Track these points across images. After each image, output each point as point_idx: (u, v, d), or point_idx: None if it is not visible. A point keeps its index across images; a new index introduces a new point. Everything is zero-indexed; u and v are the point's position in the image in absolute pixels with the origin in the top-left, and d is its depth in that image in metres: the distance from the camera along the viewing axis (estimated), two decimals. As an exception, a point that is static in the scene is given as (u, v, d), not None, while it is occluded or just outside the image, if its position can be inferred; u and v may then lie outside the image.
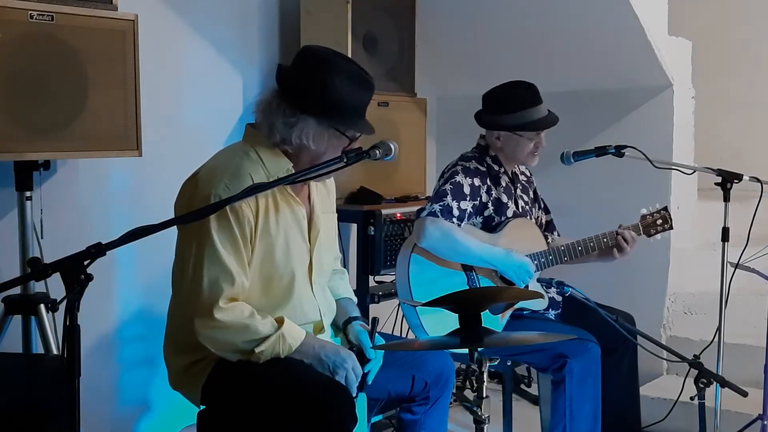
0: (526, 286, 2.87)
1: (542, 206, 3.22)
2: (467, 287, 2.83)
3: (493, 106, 3.00)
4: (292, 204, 2.22)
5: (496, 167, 3.02)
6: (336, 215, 2.47)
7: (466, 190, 2.87)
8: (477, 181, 2.91)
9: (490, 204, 2.96)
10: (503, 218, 2.97)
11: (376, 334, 2.25)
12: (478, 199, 2.91)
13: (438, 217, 2.77)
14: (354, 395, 2.14)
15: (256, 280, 2.16)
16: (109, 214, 3.12)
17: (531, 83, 2.98)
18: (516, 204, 3.04)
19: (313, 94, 2.13)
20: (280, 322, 2.13)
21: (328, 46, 2.30)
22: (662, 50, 3.88)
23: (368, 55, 3.64)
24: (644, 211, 3.08)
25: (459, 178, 2.88)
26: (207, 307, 2.06)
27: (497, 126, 2.97)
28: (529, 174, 3.23)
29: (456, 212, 2.81)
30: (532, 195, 3.18)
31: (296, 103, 2.14)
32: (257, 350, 2.09)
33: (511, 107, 2.93)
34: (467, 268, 2.88)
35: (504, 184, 3.01)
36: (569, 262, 2.99)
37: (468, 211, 2.86)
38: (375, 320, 2.27)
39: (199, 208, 1.88)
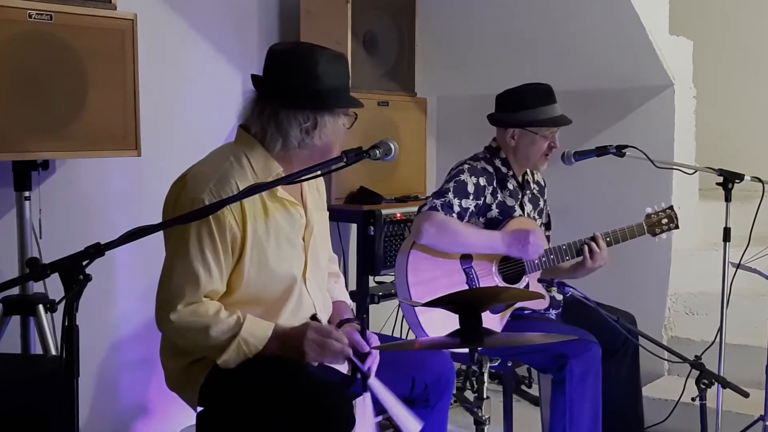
0: (538, 260, 2.85)
1: (545, 222, 3.19)
2: (466, 286, 2.82)
3: (507, 105, 2.97)
4: (286, 205, 2.20)
5: (504, 169, 2.99)
6: (327, 213, 2.46)
7: (470, 188, 2.85)
8: (482, 181, 2.89)
9: (494, 206, 2.93)
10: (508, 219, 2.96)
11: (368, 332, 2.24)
12: (482, 199, 2.89)
13: (438, 211, 2.75)
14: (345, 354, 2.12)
15: (252, 287, 2.14)
16: (109, 214, 3.12)
17: (547, 84, 2.98)
18: (522, 208, 3.01)
19: (316, 91, 2.14)
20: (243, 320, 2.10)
21: (319, 44, 2.28)
22: (663, 49, 3.87)
23: (368, 55, 3.63)
24: (649, 210, 3.06)
25: (464, 176, 2.86)
26: (167, 310, 2.06)
27: (512, 123, 2.94)
28: (543, 184, 3.19)
29: (456, 209, 2.79)
30: (541, 205, 3.15)
31: (307, 106, 2.14)
32: (219, 361, 2.08)
33: (526, 104, 2.93)
34: (466, 267, 2.86)
35: (511, 188, 2.98)
36: (570, 262, 2.98)
37: (470, 209, 2.84)
38: (362, 321, 2.26)
39: (199, 208, 1.86)
